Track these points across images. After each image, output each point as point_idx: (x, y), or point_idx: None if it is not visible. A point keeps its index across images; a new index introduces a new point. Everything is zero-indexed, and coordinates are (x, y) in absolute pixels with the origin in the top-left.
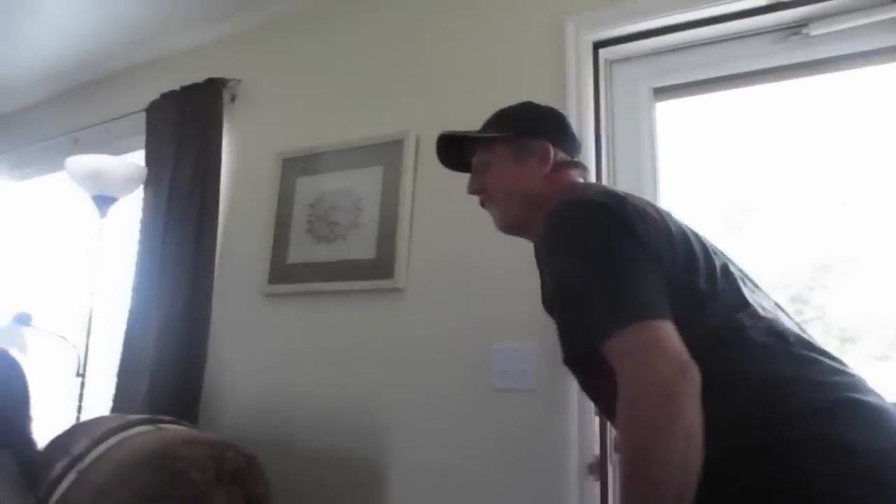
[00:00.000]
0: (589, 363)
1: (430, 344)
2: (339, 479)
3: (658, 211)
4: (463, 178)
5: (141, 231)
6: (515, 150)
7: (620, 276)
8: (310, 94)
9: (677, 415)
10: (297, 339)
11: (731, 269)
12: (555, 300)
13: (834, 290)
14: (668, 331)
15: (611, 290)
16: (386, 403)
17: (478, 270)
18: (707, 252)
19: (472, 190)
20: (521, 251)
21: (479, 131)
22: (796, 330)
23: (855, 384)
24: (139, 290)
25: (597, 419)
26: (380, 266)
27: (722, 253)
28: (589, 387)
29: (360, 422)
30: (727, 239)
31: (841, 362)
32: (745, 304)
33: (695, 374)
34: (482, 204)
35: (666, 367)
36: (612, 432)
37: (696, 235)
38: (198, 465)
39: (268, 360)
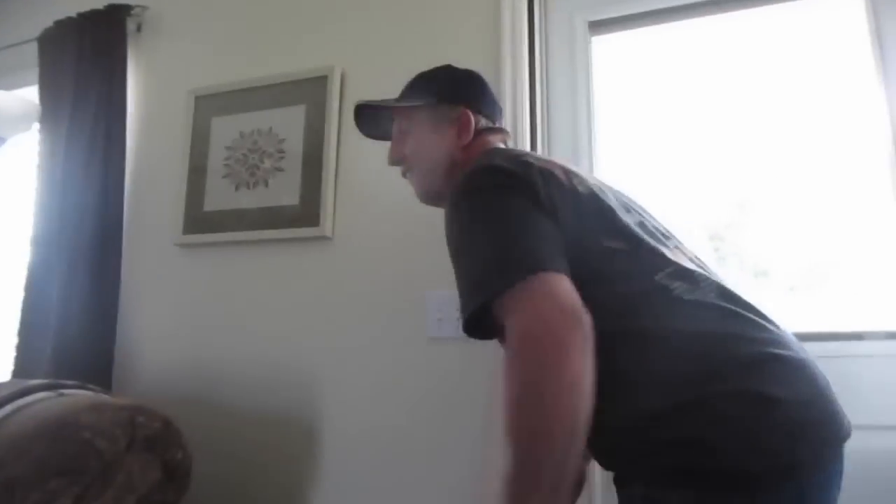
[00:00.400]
0: (489, 333)
1: (361, 294)
2: (268, 439)
3: (567, 172)
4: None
5: (38, 176)
6: (435, 119)
7: (513, 236)
8: (226, 25)
9: (564, 363)
10: (217, 292)
11: (648, 226)
12: (453, 267)
13: (748, 227)
14: (559, 282)
15: (503, 250)
16: (315, 358)
17: (409, 215)
18: (621, 210)
19: (393, 160)
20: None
21: (398, 100)
22: (721, 285)
23: (778, 339)
24: (39, 241)
25: None
26: (304, 213)
27: (640, 210)
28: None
29: (288, 378)
30: (653, 180)
31: (765, 317)
32: (666, 261)
33: (587, 325)
34: (403, 174)
35: (554, 315)
36: None
37: (610, 194)
38: (104, 432)
39: (186, 315)
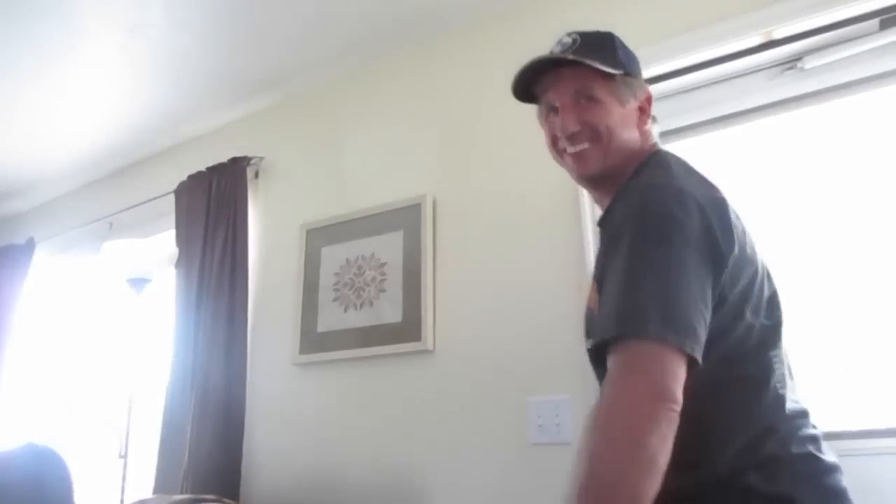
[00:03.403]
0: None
1: (463, 402)
2: None
3: (743, 228)
4: (481, 233)
5: (176, 310)
6: (624, 92)
7: (674, 288)
8: (328, 166)
9: (648, 444)
10: (330, 406)
11: (777, 300)
12: (603, 277)
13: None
14: (677, 368)
15: (659, 298)
16: (423, 466)
17: (504, 325)
18: (764, 280)
19: (575, 125)
20: (546, 305)
21: (589, 59)
22: (789, 378)
23: (817, 439)
24: (176, 367)
25: None
26: (407, 329)
27: (772, 280)
28: None
29: (399, 486)
30: None
31: (807, 414)
32: (777, 343)
33: (675, 419)
34: (566, 147)
35: (656, 398)
36: None
37: (761, 260)
38: None
39: (303, 429)
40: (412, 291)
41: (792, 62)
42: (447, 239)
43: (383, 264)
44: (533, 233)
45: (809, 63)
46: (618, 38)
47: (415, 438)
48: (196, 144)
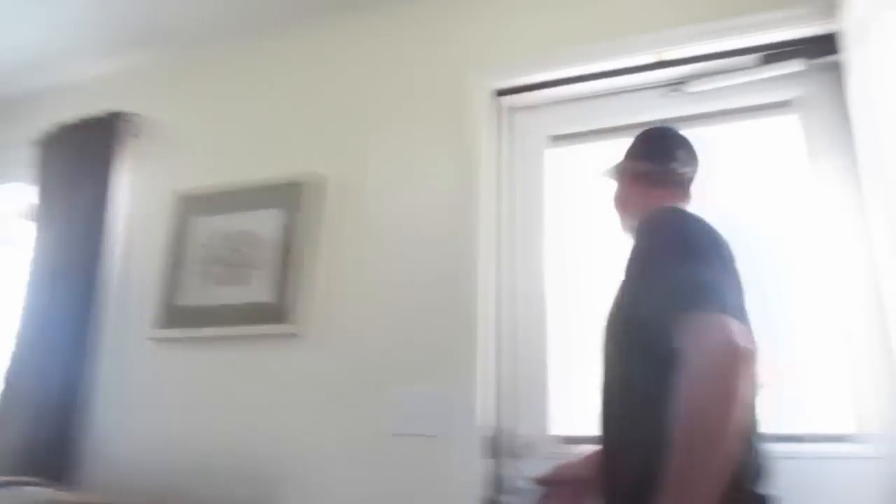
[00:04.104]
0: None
1: (329, 389)
2: None
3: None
4: (368, 220)
5: (30, 269)
6: None
7: (716, 280)
8: (212, 133)
9: (738, 383)
10: (188, 386)
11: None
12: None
13: None
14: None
15: (710, 286)
16: (281, 452)
17: (378, 315)
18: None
19: None
20: (421, 295)
21: None
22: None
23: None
24: (23, 333)
25: (487, 462)
26: (277, 311)
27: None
28: None
29: (255, 471)
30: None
31: None
32: None
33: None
34: None
35: (743, 350)
36: (505, 476)
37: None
38: None
39: (157, 409)
40: (286, 273)
41: (678, 84)
42: (330, 222)
43: (259, 241)
44: (421, 228)
45: (693, 87)
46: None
47: (275, 424)
48: (67, 92)
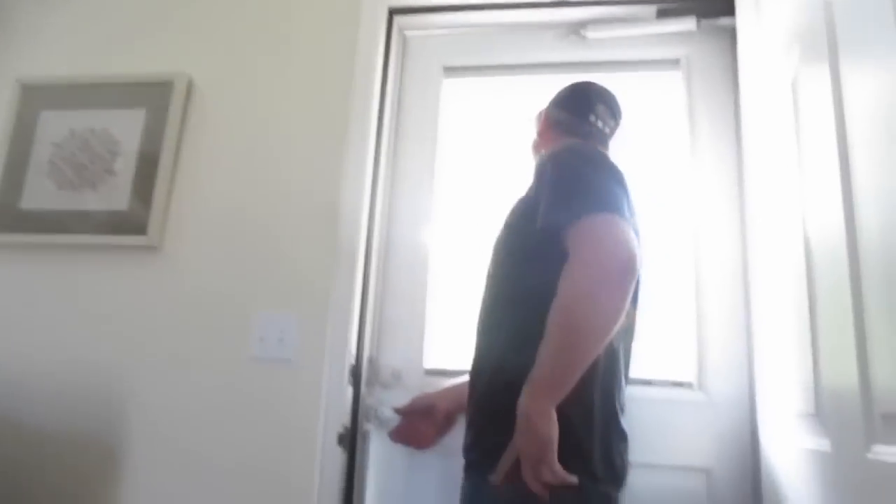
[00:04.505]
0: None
1: (186, 309)
2: (70, 460)
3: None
4: (239, 131)
5: None
6: None
7: (611, 189)
8: (67, 15)
9: (620, 287)
10: (30, 298)
11: None
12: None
13: None
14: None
15: (605, 191)
16: (132, 373)
17: (243, 232)
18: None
19: None
20: (290, 216)
21: None
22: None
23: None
24: None
25: (350, 390)
26: (132, 220)
27: None
28: None
29: (98, 395)
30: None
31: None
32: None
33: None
34: None
35: (626, 245)
36: (363, 405)
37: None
38: None
39: None
40: (145, 179)
41: (577, 28)
42: (197, 130)
43: (116, 143)
44: (294, 145)
45: (591, 33)
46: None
47: (127, 343)
48: None
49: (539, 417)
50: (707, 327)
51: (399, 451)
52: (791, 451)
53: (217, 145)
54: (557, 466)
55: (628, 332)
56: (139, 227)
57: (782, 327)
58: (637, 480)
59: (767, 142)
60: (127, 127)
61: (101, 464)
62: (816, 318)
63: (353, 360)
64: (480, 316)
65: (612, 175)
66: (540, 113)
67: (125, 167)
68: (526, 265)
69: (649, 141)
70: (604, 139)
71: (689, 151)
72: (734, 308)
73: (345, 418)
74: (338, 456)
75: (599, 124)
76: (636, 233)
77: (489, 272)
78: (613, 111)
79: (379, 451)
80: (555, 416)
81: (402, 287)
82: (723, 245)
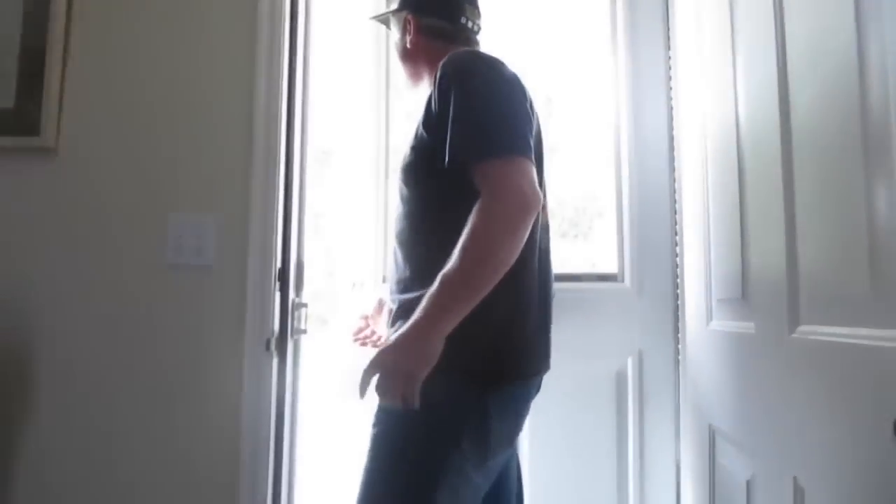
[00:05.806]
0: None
1: (92, 214)
2: None
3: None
4: (138, 20)
5: None
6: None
7: (518, 119)
8: None
9: (524, 235)
10: None
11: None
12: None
13: None
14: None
15: (513, 126)
16: (33, 292)
17: (151, 129)
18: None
19: None
20: (206, 114)
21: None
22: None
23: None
24: None
25: (278, 295)
26: (21, 119)
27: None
28: None
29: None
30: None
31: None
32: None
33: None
34: None
35: (533, 197)
36: (291, 309)
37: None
38: None
39: None
40: (32, 73)
41: None
42: (90, 11)
43: None
44: (203, 33)
45: None
46: None
47: (24, 257)
48: None
49: (437, 336)
50: (631, 219)
51: (332, 355)
52: (713, 334)
53: (114, 36)
54: (419, 387)
55: (545, 229)
56: (30, 127)
57: (709, 215)
58: (567, 369)
59: (698, 20)
60: (5, 13)
61: (10, 374)
62: (746, 205)
63: (279, 264)
64: (396, 233)
65: (514, 87)
66: (395, 14)
67: (7, 59)
68: (435, 191)
69: (573, 19)
70: (476, 40)
71: (614, 29)
72: (659, 199)
73: (273, 324)
74: (266, 363)
75: (470, 24)
76: (538, 134)
77: (400, 192)
78: (476, 6)
79: (312, 358)
80: (443, 342)
81: None
82: (648, 132)
